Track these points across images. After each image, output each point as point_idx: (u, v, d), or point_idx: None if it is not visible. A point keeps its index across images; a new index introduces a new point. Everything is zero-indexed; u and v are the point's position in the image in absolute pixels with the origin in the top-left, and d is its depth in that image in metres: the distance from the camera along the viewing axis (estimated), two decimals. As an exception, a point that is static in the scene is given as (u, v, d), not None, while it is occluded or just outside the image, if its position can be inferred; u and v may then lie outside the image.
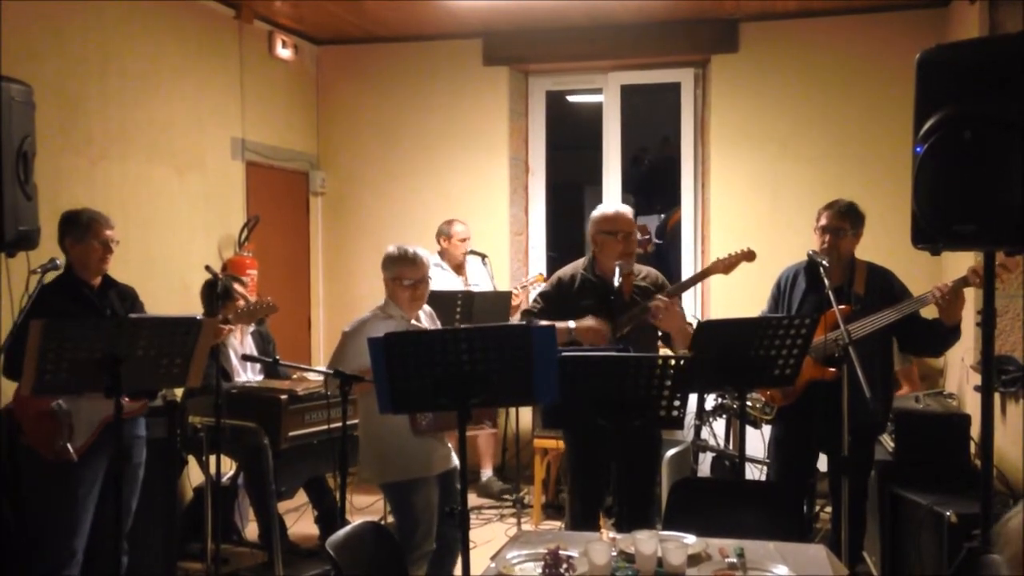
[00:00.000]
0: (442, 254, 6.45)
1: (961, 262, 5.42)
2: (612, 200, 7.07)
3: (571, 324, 3.99)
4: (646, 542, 2.66)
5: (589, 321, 4.00)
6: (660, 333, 4.21)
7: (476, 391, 2.85)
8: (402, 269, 3.93)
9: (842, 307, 3.84)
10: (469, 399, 2.85)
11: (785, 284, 4.32)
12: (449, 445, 4.05)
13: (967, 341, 5.11)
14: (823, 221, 4.17)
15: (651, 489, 4.24)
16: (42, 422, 3.80)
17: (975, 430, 4.13)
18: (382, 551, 2.94)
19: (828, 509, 4.71)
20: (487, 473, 6.59)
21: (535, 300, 4.35)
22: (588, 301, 4.09)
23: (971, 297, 4.86)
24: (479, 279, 6.52)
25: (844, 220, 4.14)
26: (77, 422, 3.81)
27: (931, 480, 4.20)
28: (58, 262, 3.76)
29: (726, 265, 4.13)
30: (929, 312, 4.03)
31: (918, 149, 2.93)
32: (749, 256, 4.15)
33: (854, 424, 3.72)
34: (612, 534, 2.99)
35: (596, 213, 4.23)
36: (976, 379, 4.81)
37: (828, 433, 4.03)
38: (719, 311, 6.59)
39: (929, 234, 2.97)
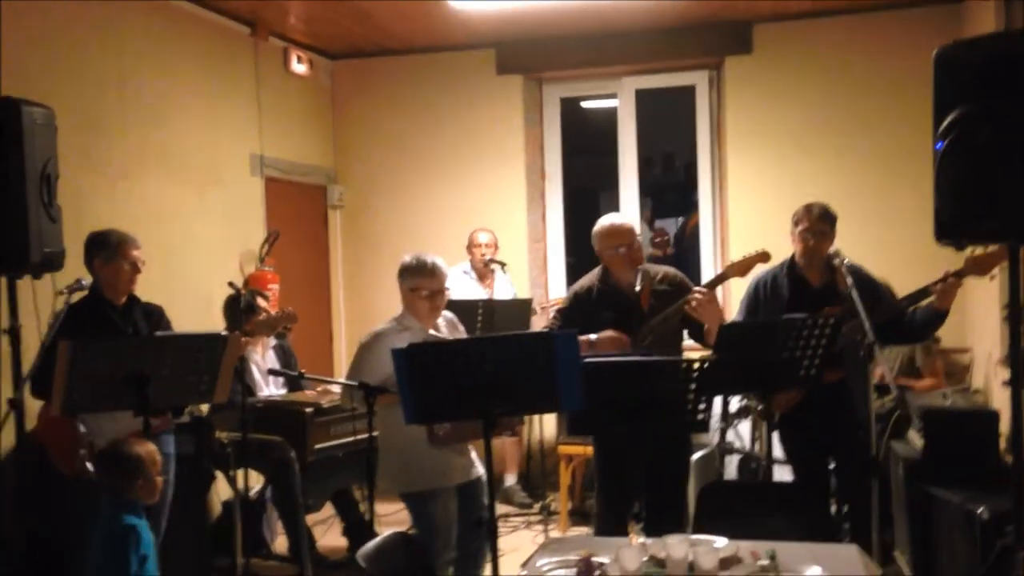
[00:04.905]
0: (472, 263, 6.50)
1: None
2: (624, 207, 7.09)
3: (592, 337, 3.99)
4: (677, 546, 2.65)
5: (609, 333, 4.01)
6: (684, 334, 4.22)
7: (501, 400, 2.84)
8: (420, 280, 3.90)
9: (830, 308, 3.89)
10: (494, 408, 2.85)
11: (764, 291, 4.29)
12: (473, 455, 4.05)
13: (994, 336, 5.07)
14: (805, 224, 4.18)
15: (680, 493, 4.23)
16: (63, 439, 3.83)
17: (1004, 426, 4.09)
18: (411, 561, 2.95)
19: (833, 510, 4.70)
20: (511, 479, 6.59)
21: (553, 318, 4.36)
22: (608, 314, 4.09)
23: (997, 291, 4.84)
24: (503, 289, 6.52)
25: (825, 222, 4.18)
26: (99, 439, 3.83)
27: (961, 477, 4.16)
28: (84, 282, 3.80)
29: (741, 268, 4.11)
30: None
31: (938, 146, 2.93)
32: (764, 257, 4.13)
33: (853, 424, 3.74)
34: (642, 539, 2.98)
35: (594, 230, 4.21)
36: (1004, 374, 4.77)
37: (831, 435, 4.06)
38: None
39: (952, 230, 2.97)
